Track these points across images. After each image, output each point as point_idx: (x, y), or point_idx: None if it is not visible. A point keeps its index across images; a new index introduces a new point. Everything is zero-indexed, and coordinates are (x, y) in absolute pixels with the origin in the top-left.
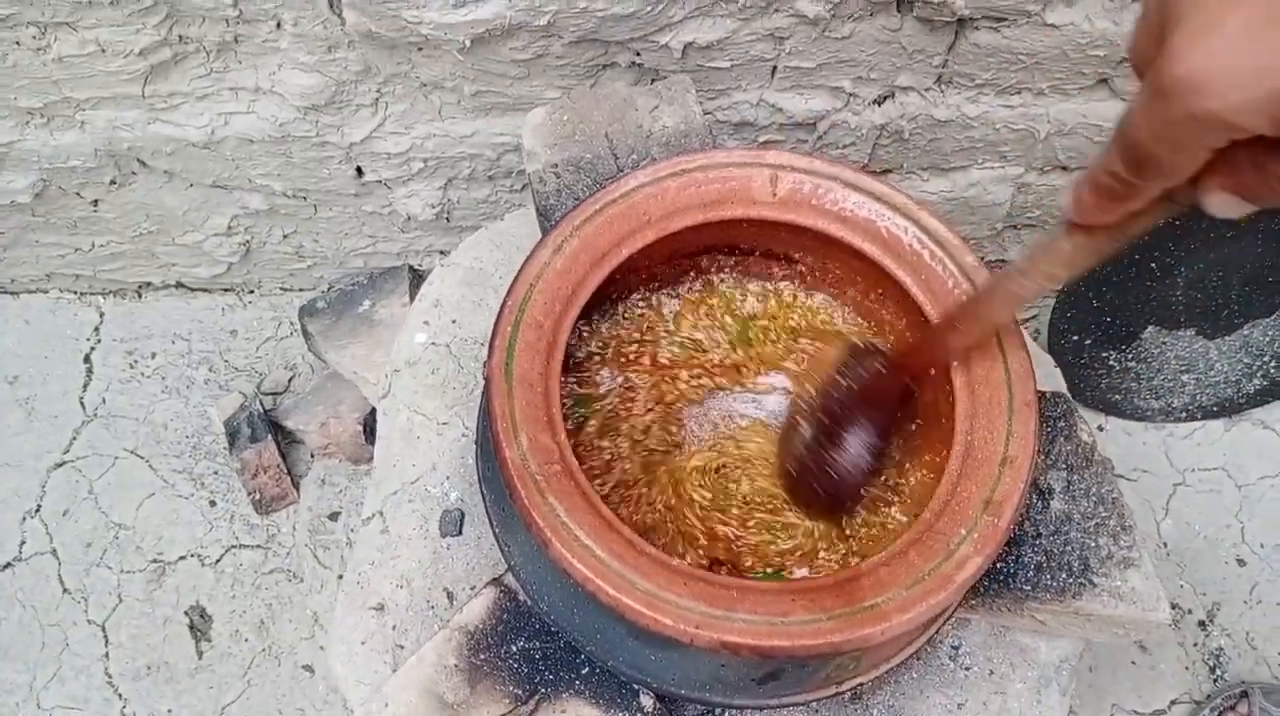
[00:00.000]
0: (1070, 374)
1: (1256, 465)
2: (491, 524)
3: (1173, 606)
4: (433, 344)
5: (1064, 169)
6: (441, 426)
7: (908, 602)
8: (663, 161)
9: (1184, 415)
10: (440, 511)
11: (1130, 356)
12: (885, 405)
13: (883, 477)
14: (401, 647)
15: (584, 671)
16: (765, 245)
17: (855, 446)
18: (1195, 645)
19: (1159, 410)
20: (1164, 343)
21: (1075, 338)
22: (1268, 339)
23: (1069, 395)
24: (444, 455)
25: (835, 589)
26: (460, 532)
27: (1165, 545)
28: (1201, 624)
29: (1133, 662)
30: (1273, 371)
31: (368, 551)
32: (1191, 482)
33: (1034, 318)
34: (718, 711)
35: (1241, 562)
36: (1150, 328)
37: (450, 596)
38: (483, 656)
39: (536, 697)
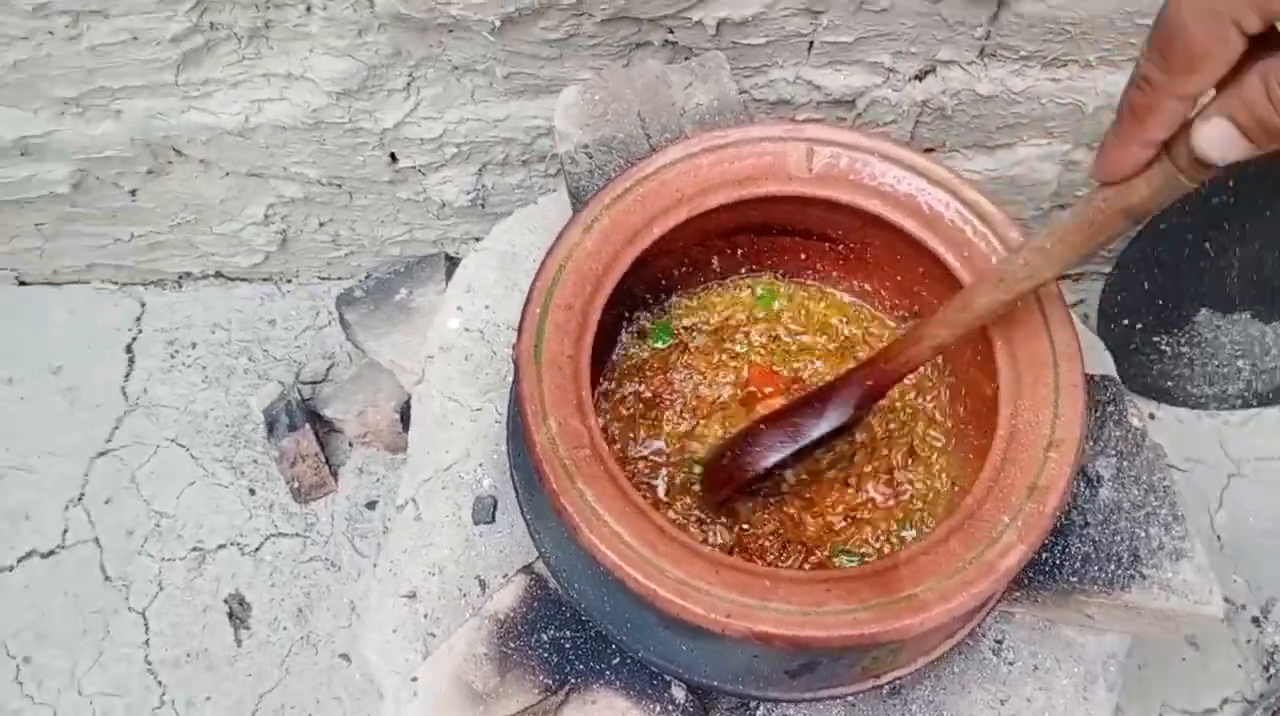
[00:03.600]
0: (1120, 360)
1: None
2: (522, 510)
3: (1225, 601)
4: (466, 329)
5: None
6: (475, 412)
7: (949, 592)
8: (695, 137)
9: (1239, 402)
10: (473, 498)
11: (1183, 341)
12: (840, 402)
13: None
14: (433, 636)
15: (615, 661)
16: (802, 224)
17: (767, 442)
18: (1249, 642)
19: (1213, 397)
20: (1218, 326)
21: (1125, 322)
22: None
23: (1119, 379)
24: (477, 441)
25: (872, 578)
26: (493, 520)
27: (1219, 538)
28: (1255, 620)
29: (1183, 659)
30: None
31: (401, 539)
32: (1247, 473)
33: (1082, 302)
34: (753, 704)
35: None
36: (1204, 311)
37: (483, 584)
38: (513, 645)
39: (567, 687)
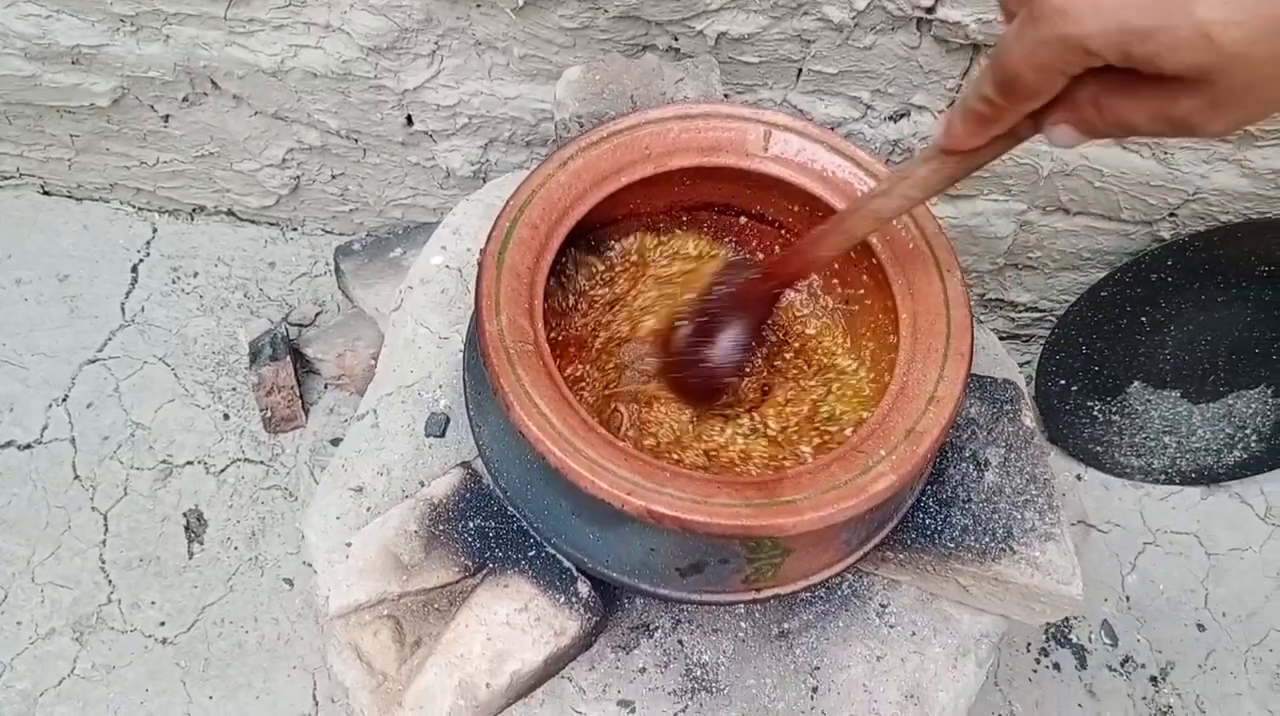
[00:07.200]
0: (1054, 418)
1: (1228, 536)
2: (468, 408)
3: (1126, 660)
4: (446, 266)
5: (1065, 211)
6: (442, 340)
7: (820, 503)
8: (670, 105)
9: (1162, 477)
10: (429, 413)
11: (1114, 409)
12: (755, 308)
13: (747, 370)
14: None
15: (530, 553)
16: (755, 205)
17: (726, 342)
18: (1144, 699)
19: (1138, 468)
20: (1149, 400)
21: (1062, 382)
22: (1250, 411)
23: (1021, 386)
24: (440, 365)
25: (759, 484)
26: (443, 435)
27: (1128, 599)
28: (1153, 679)
29: (1079, 705)
30: (1253, 445)
31: (356, 442)
32: (1161, 543)
33: (1028, 363)
34: (652, 625)
35: (1201, 627)
36: (1136, 383)
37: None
38: (441, 527)
39: (484, 571)
